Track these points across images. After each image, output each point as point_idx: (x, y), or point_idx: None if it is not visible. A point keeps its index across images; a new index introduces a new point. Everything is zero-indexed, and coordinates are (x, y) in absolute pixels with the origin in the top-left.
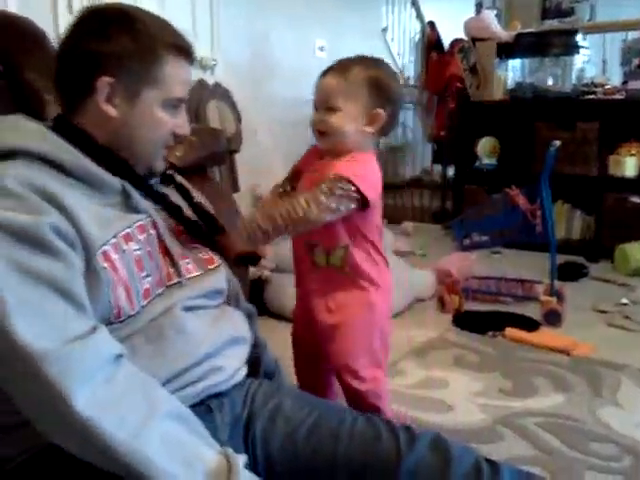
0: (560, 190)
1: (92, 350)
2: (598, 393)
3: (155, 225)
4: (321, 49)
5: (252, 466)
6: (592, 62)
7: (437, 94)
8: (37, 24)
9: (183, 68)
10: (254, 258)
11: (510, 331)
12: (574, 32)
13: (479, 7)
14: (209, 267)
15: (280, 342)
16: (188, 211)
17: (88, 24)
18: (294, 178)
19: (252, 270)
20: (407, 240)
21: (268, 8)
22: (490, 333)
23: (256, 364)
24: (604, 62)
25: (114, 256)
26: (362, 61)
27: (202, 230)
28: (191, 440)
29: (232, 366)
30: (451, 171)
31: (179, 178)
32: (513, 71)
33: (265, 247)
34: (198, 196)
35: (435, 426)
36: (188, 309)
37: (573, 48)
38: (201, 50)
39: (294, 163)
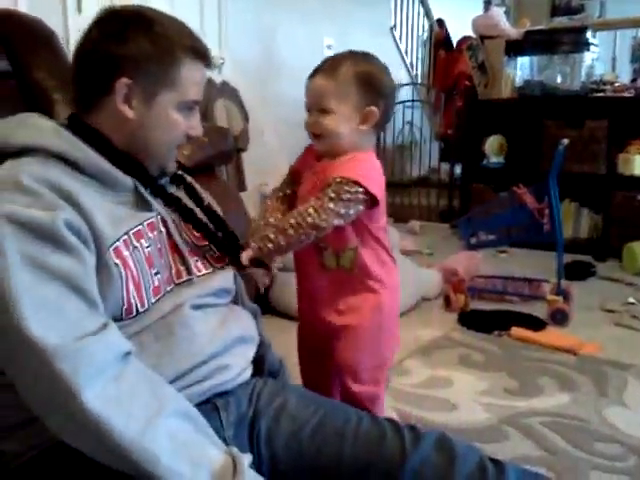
0: (568, 188)
1: (102, 347)
2: (604, 393)
3: (165, 223)
4: (329, 47)
5: (257, 465)
6: (601, 59)
7: (445, 92)
8: (46, 24)
9: (199, 71)
10: (264, 265)
11: (516, 330)
12: (584, 29)
13: (488, 4)
14: (218, 266)
15: (285, 341)
16: (200, 214)
17: (107, 26)
18: (293, 181)
19: None
20: (414, 239)
21: (276, 6)
22: (496, 332)
23: (260, 363)
24: (614, 59)
25: (125, 253)
26: (351, 57)
27: (214, 234)
28: (197, 439)
29: (239, 365)
30: (458, 169)
31: (189, 179)
32: (522, 69)
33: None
34: (207, 197)
35: (440, 425)
36: (197, 307)
37: (582, 45)
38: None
39: (290, 164)
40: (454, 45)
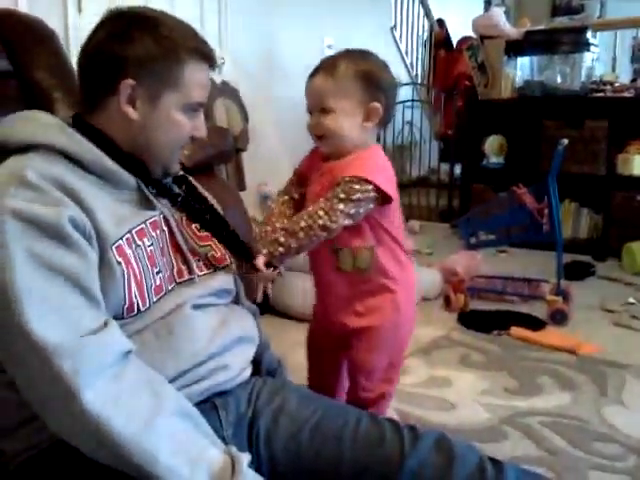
0: (567, 189)
1: (103, 345)
2: (604, 393)
3: (168, 222)
4: (329, 47)
5: (256, 465)
6: (602, 60)
7: (445, 92)
8: (46, 24)
9: (204, 73)
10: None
11: (516, 330)
12: (584, 29)
13: (488, 4)
14: (220, 266)
15: (285, 341)
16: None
17: (112, 27)
18: (300, 183)
19: None
20: (414, 239)
21: (276, 6)
22: (495, 332)
23: (257, 363)
24: (614, 59)
25: (128, 251)
26: (349, 56)
27: (222, 234)
28: (197, 438)
29: (238, 365)
30: (458, 169)
31: (191, 179)
32: (522, 69)
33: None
34: (210, 198)
35: (439, 425)
36: (197, 307)
37: (583, 45)
38: None
39: (295, 167)
40: (454, 45)
